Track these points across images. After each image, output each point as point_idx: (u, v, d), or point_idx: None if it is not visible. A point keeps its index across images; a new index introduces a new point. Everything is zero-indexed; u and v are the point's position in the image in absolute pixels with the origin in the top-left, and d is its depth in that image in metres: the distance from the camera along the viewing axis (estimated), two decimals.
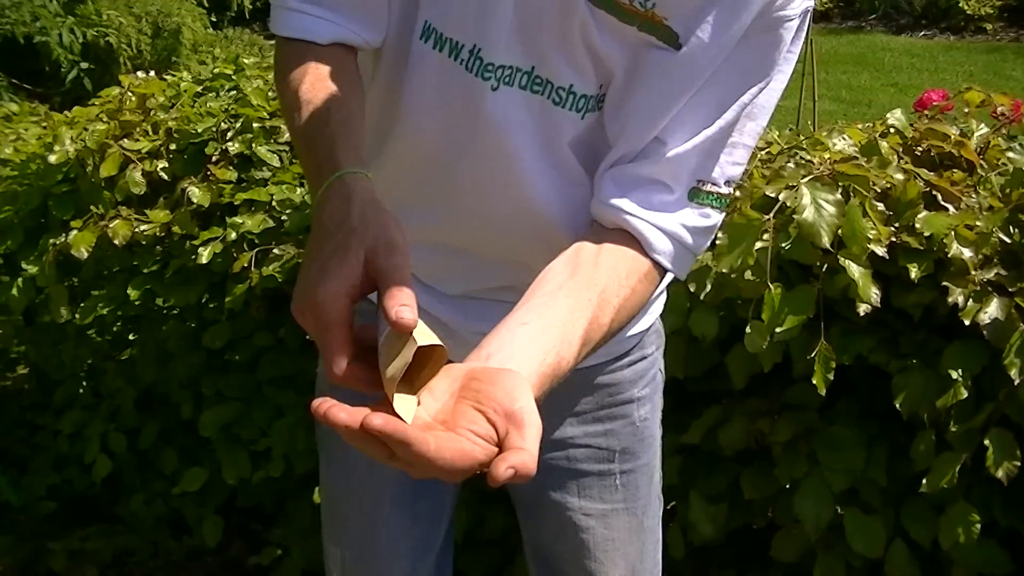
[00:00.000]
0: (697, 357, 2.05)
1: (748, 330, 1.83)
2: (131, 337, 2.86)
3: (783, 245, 1.84)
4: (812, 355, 1.82)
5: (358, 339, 0.98)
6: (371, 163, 1.37)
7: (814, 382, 1.85)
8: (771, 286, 1.79)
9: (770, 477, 2.02)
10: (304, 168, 1.21)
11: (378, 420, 0.85)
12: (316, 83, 1.19)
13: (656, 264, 1.21)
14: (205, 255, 2.29)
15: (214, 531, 2.77)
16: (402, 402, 0.94)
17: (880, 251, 1.81)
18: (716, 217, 1.25)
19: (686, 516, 2.10)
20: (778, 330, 1.81)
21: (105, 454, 2.93)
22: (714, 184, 1.22)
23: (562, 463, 1.55)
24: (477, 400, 0.96)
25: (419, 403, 0.96)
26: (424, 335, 0.96)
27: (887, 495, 1.98)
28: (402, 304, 0.95)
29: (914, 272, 1.81)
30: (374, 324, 0.99)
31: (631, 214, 1.20)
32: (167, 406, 2.85)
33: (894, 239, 1.81)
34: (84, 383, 3.04)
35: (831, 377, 1.85)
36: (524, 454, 0.91)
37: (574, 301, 1.12)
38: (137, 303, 2.53)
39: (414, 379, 0.97)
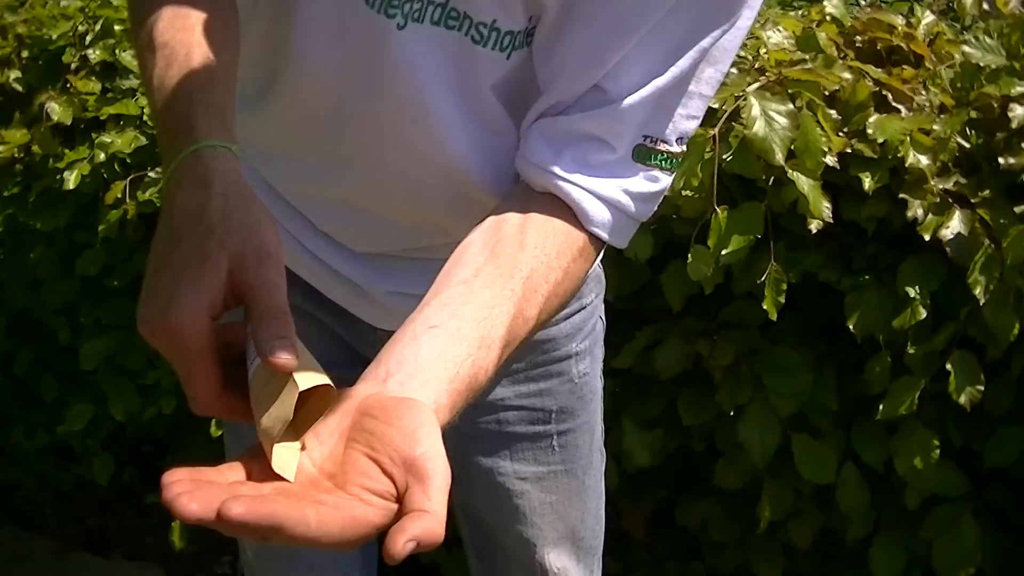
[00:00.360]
0: (629, 276, 1.87)
1: (691, 257, 1.66)
2: None
3: (724, 157, 1.65)
4: (761, 279, 1.66)
5: (226, 354, 0.81)
6: (255, 105, 1.14)
7: (764, 307, 1.69)
8: (717, 209, 1.61)
9: (710, 402, 1.88)
10: (158, 134, 0.98)
11: (239, 508, 0.66)
12: (176, 21, 0.95)
13: (592, 237, 1.01)
14: (72, 180, 2.04)
15: (104, 469, 2.56)
16: (282, 455, 0.77)
17: (831, 161, 1.64)
18: (665, 180, 1.04)
19: (619, 443, 1.95)
20: (723, 252, 1.63)
21: None
22: (664, 142, 1.01)
23: (492, 427, 1.38)
24: (370, 445, 0.78)
25: (303, 447, 0.79)
26: (307, 376, 0.78)
27: (836, 417, 1.85)
28: (278, 337, 0.77)
29: (867, 183, 1.65)
30: (242, 326, 0.81)
31: (563, 178, 0.99)
32: (43, 331, 2.62)
33: (848, 149, 1.64)
34: None
35: (782, 300, 1.69)
36: (427, 519, 0.73)
37: (493, 293, 0.92)
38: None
39: (297, 413, 0.79)
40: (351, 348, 1.35)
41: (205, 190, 0.84)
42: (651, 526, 2.20)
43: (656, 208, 1.06)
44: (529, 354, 1.33)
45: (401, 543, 0.71)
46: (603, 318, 1.43)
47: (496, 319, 0.91)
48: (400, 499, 0.75)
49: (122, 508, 2.81)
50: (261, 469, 0.78)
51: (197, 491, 0.69)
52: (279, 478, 0.77)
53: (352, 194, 1.16)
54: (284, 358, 0.76)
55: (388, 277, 1.24)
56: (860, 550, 1.93)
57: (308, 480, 0.78)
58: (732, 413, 1.85)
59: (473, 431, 1.37)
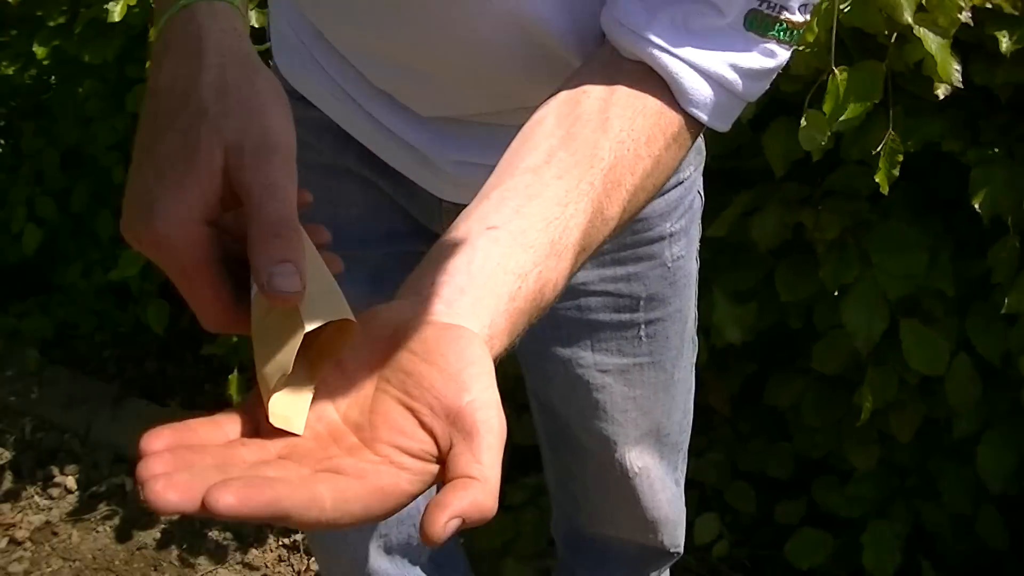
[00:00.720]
0: (726, 134, 1.66)
1: (804, 123, 1.45)
2: (45, 97, 2.45)
3: (842, 8, 1.43)
4: (877, 149, 1.45)
5: (238, 252, 0.66)
6: None
7: (876, 179, 1.48)
8: (836, 70, 1.40)
9: (811, 278, 1.69)
10: None
11: (228, 499, 0.52)
12: None
13: (690, 118, 0.81)
14: (117, 11, 1.86)
15: (159, 316, 2.45)
16: (285, 404, 0.62)
17: (965, 18, 1.41)
18: (783, 56, 0.83)
19: (709, 317, 1.78)
20: (839, 119, 1.43)
21: (33, 223, 2.59)
22: (785, 9, 0.80)
23: (572, 313, 1.22)
24: (406, 390, 0.62)
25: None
26: (319, 309, 0.62)
27: (950, 303, 1.66)
28: (280, 261, 0.62)
29: (1004, 44, 1.42)
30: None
31: (659, 46, 0.79)
32: (97, 167, 2.48)
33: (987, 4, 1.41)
34: (2, 142, 2.65)
35: (896, 173, 1.49)
36: (476, 489, 0.58)
37: (568, 185, 0.74)
38: (46, 62, 2.11)
39: (311, 346, 0.63)
40: (413, 219, 1.18)
41: (196, 59, 0.68)
42: (736, 402, 2.05)
43: (768, 86, 0.86)
44: (617, 235, 1.16)
45: (442, 522, 0.56)
46: (702, 193, 1.25)
47: (570, 219, 0.73)
48: (442, 460, 0.61)
49: (181, 354, 2.71)
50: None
51: (176, 473, 0.54)
52: (290, 432, 0.62)
53: (412, 52, 0.97)
54: (286, 292, 0.61)
55: (455, 144, 1.07)
56: (965, 445, 1.76)
57: (328, 432, 0.62)
58: (836, 293, 1.67)
59: (551, 317, 1.21)
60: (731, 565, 2.12)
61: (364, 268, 1.18)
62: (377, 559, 1.35)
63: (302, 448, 0.61)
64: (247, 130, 0.65)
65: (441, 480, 0.61)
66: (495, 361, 0.68)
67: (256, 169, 0.64)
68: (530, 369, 1.33)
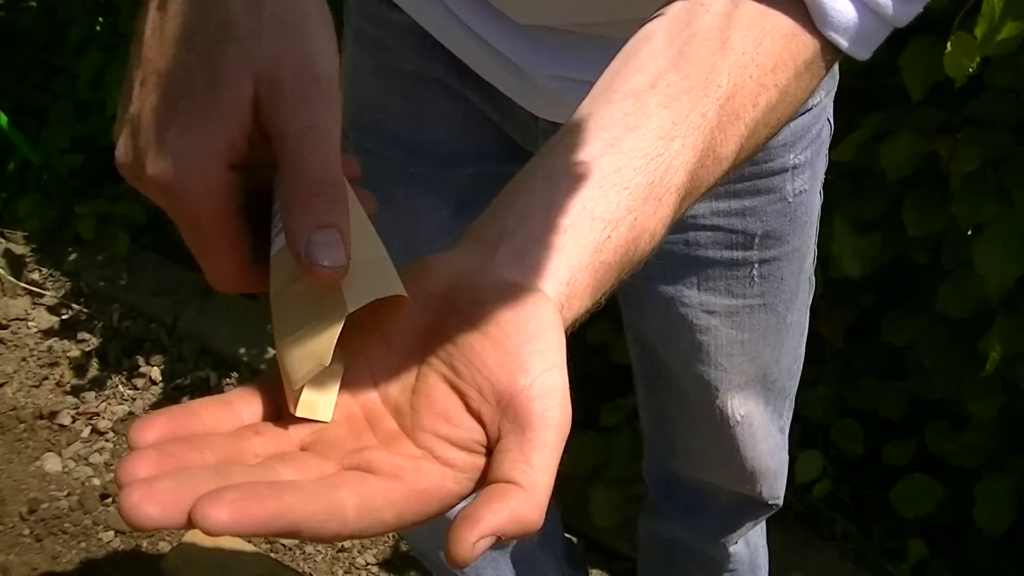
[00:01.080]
0: None
1: (950, 46, 1.29)
2: None
3: None
4: None
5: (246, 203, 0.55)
6: None
7: None
8: None
9: (943, 212, 1.54)
10: None
11: (220, 515, 0.42)
12: None
13: (826, 43, 0.67)
14: None
15: None
16: (309, 388, 0.51)
17: None
18: None
19: (827, 247, 1.64)
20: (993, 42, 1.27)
21: None
22: None
23: (678, 248, 1.10)
24: (453, 366, 0.52)
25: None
26: (363, 284, 0.51)
27: None
28: (322, 226, 0.51)
29: None
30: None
31: None
32: None
33: None
34: (100, 20, 2.57)
35: None
36: (519, 498, 0.48)
37: (676, 116, 0.61)
38: None
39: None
40: (506, 137, 1.07)
41: None
42: (850, 336, 1.91)
43: (922, 8, 0.71)
44: None
45: (471, 541, 0.46)
46: (831, 121, 1.11)
47: (675, 157, 0.61)
48: (491, 451, 0.50)
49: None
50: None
51: (160, 479, 0.44)
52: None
53: None
54: (327, 267, 0.50)
55: (554, 58, 0.94)
56: None
57: (364, 414, 0.52)
58: (969, 231, 1.51)
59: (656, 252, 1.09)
60: (831, 505, 2.01)
61: (450, 189, 1.08)
62: None
63: (330, 436, 0.51)
64: (285, 56, 0.53)
65: (482, 480, 0.51)
66: (574, 326, 0.58)
67: (295, 107, 0.52)
68: (628, 303, 1.21)
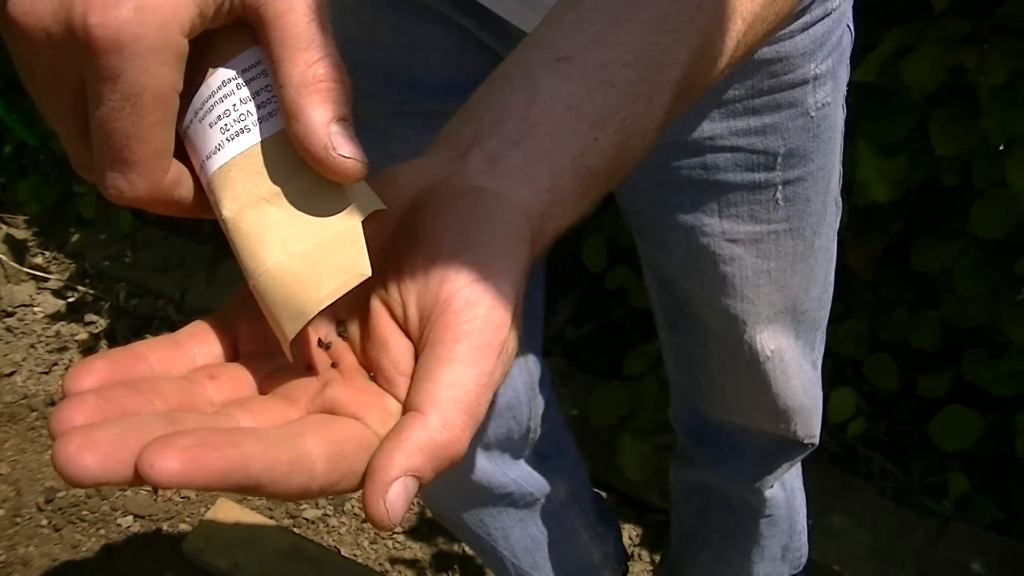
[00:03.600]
0: None
1: None
2: None
3: None
4: None
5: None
6: None
7: None
8: None
9: (972, 128, 1.47)
10: None
11: (170, 463, 0.36)
12: None
13: None
14: None
15: None
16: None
17: None
18: None
19: (852, 172, 1.56)
20: None
21: None
22: None
23: (696, 173, 1.02)
24: (386, 287, 0.47)
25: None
26: (360, 195, 0.47)
27: None
28: (341, 118, 0.46)
29: None
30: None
31: None
32: None
33: None
34: None
35: None
36: (421, 426, 0.42)
37: (668, 6, 0.55)
38: None
39: None
40: None
41: None
42: (879, 265, 1.84)
43: None
44: (749, 77, 0.96)
45: (380, 497, 0.41)
46: (851, 27, 1.04)
47: (667, 51, 0.54)
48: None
49: None
50: (253, 332, 0.47)
51: (101, 427, 0.38)
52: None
53: None
54: (357, 161, 0.45)
55: None
56: None
57: (327, 351, 0.48)
58: (1001, 147, 1.44)
59: (670, 178, 1.03)
60: (867, 443, 1.94)
61: None
62: (476, 459, 1.21)
63: (292, 377, 0.46)
64: None
65: None
66: (558, 235, 0.51)
67: None
68: (645, 237, 1.14)
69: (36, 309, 2.54)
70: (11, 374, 2.39)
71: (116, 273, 2.56)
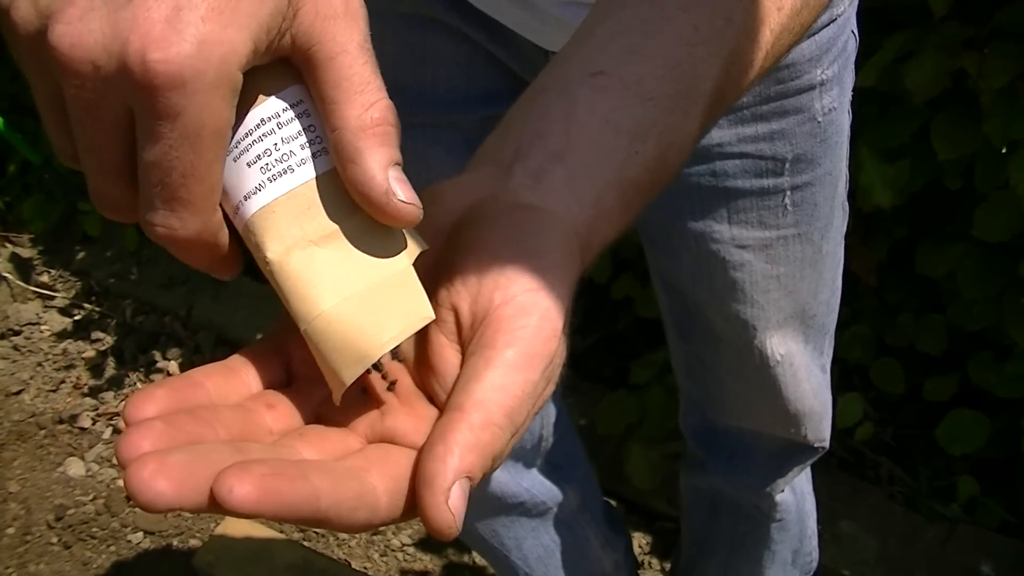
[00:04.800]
0: None
1: None
2: None
3: None
4: None
5: None
6: None
7: None
8: None
9: (974, 132, 1.48)
10: None
11: (246, 488, 0.37)
12: None
13: None
14: None
15: None
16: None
17: None
18: None
19: (856, 178, 1.57)
20: None
21: None
22: None
23: (705, 180, 1.03)
24: (437, 299, 0.48)
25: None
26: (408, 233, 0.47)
27: None
28: (396, 162, 0.45)
29: None
30: None
31: None
32: None
33: None
34: None
35: None
36: (465, 426, 0.42)
37: (697, 19, 0.55)
38: None
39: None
40: (514, 75, 1.00)
41: None
42: (884, 270, 1.85)
43: None
44: (757, 84, 0.96)
45: (442, 502, 0.41)
46: (856, 33, 1.05)
47: (700, 64, 0.55)
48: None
49: None
50: (305, 356, 0.47)
51: (172, 453, 0.38)
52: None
53: None
54: (414, 205, 0.45)
55: None
56: None
57: (382, 373, 0.48)
58: (1004, 150, 1.45)
59: (679, 185, 1.03)
60: (875, 448, 1.95)
61: (459, 136, 1.02)
62: None
63: (348, 403, 0.46)
64: None
65: None
66: (602, 250, 0.52)
67: (343, 19, 0.46)
68: (654, 244, 1.15)
69: (43, 327, 2.54)
70: (19, 392, 2.39)
71: (122, 290, 2.56)
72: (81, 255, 2.68)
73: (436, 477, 0.41)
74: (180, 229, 0.45)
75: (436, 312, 0.47)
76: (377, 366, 0.47)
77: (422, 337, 0.47)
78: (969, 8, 1.44)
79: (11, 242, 2.74)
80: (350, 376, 0.44)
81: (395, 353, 0.48)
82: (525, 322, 0.44)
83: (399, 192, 0.44)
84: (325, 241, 0.45)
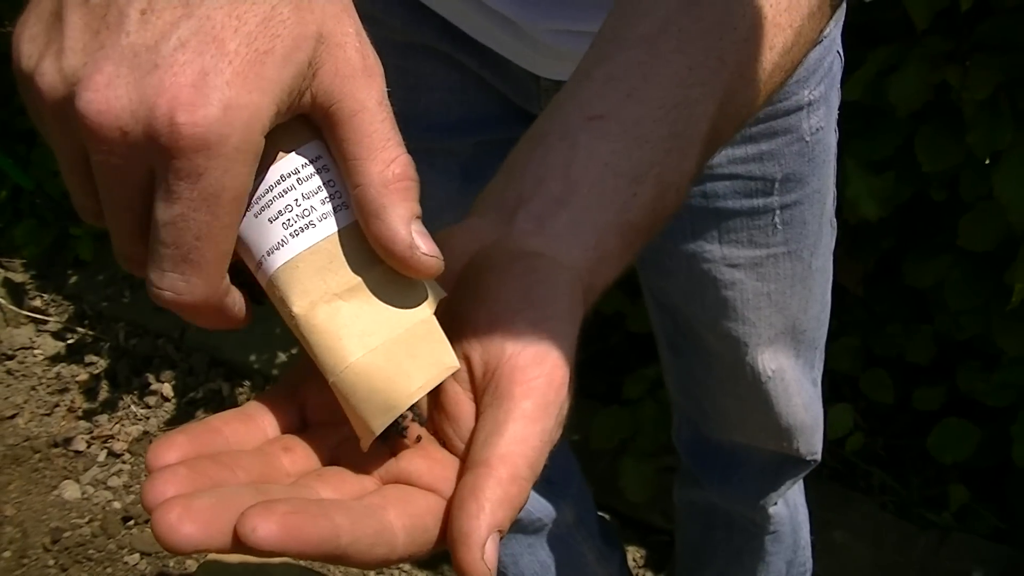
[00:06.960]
0: None
1: None
2: None
3: None
4: None
5: None
6: None
7: None
8: None
9: (958, 144, 1.50)
10: None
11: (270, 527, 0.38)
12: None
13: None
14: None
15: None
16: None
17: None
18: None
19: (842, 191, 1.59)
20: None
21: None
22: None
23: (696, 201, 1.05)
24: (465, 351, 0.49)
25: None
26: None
27: None
28: (417, 215, 0.46)
29: None
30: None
31: None
32: None
33: None
34: None
35: None
36: (494, 482, 0.44)
37: (692, 61, 0.56)
38: None
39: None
40: (507, 100, 1.02)
41: None
42: (871, 282, 1.86)
43: None
44: None
45: (478, 557, 0.43)
46: (841, 53, 1.07)
47: (695, 105, 0.56)
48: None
49: None
50: (320, 402, 0.49)
51: (197, 496, 0.39)
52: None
53: None
54: (436, 257, 0.46)
55: (554, 7, 0.88)
56: None
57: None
58: (987, 161, 1.47)
59: None
60: (866, 458, 1.96)
61: (453, 161, 1.03)
62: None
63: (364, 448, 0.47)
64: (345, 18, 0.46)
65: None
66: (604, 291, 0.53)
67: (362, 77, 0.46)
68: (646, 264, 1.17)
69: (36, 351, 2.55)
70: (13, 416, 2.40)
71: (115, 313, 2.57)
72: (73, 279, 2.68)
73: (472, 534, 0.42)
74: (186, 294, 0.45)
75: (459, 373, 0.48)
76: (405, 414, 0.48)
77: (439, 387, 0.49)
78: (951, 21, 1.46)
79: (3, 267, 2.74)
80: (379, 426, 0.45)
81: (413, 408, 0.48)
82: (538, 372, 0.46)
83: (421, 245, 0.45)
84: (349, 294, 0.46)
